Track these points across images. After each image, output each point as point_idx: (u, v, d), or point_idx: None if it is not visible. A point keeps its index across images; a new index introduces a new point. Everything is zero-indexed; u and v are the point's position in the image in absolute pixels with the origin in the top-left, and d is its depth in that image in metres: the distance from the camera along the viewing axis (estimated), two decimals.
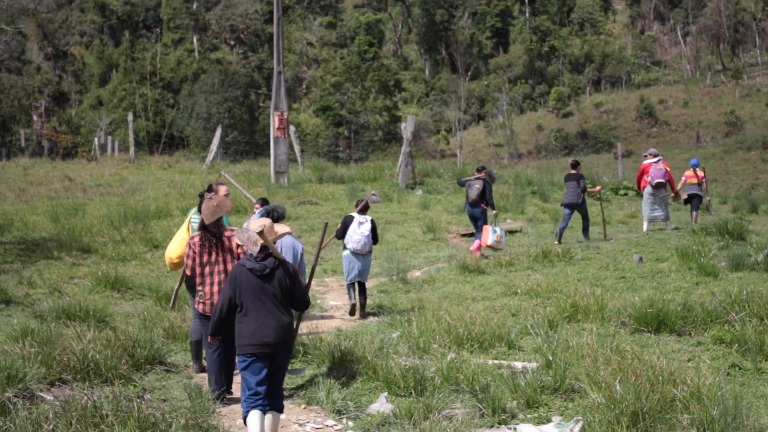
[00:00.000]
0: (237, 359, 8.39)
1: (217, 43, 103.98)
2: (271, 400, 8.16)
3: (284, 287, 8.26)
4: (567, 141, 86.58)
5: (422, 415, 8.38)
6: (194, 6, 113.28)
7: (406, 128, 32.28)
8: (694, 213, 23.38)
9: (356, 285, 14.85)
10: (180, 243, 10.89)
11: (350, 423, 8.73)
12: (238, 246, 9.70)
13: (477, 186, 19.89)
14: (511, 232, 24.02)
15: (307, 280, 10.30)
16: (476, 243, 19.93)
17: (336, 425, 8.75)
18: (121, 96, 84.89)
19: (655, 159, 22.85)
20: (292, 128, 36.00)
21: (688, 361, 10.01)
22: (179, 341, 11.78)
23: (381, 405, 8.93)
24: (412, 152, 33.26)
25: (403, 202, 28.11)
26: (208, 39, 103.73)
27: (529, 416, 8.56)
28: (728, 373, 9.52)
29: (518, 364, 9.93)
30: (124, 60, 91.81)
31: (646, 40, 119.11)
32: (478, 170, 20.74)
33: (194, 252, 9.71)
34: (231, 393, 9.77)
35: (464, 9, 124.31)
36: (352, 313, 14.67)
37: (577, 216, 21.72)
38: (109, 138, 56.21)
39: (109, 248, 18.71)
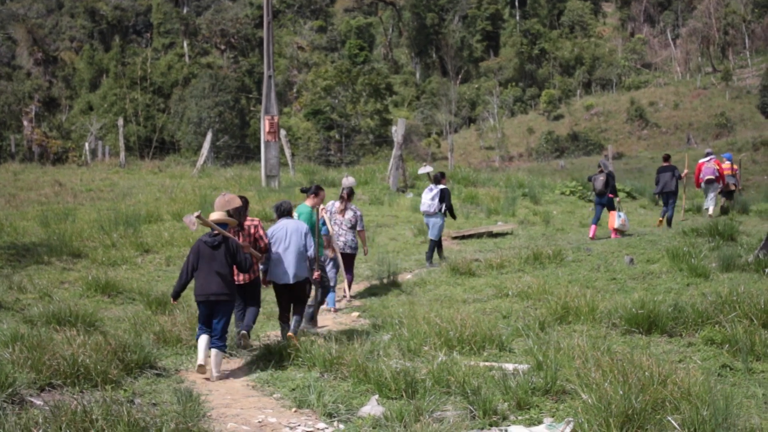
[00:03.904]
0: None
1: (208, 48, 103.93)
2: (215, 340, 10.85)
3: (228, 255, 11.03)
4: (558, 143, 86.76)
5: (413, 418, 8.36)
6: (184, 11, 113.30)
7: (397, 131, 32.31)
8: (726, 199, 26.88)
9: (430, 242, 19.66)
10: None
11: (341, 426, 8.70)
12: (252, 227, 12.21)
13: (601, 178, 22.36)
14: (502, 234, 24.04)
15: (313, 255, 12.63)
16: (611, 226, 22.42)
17: (327, 428, 8.71)
18: (111, 101, 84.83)
19: (707, 158, 25.86)
20: (282, 132, 35.97)
21: (679, 361, 10.01)
22: (170, 345, 11.75)
23: (372, 408, 8.91)
24: (403, 155, 33.28)
25: (394, 205, 28.11)
26: (199, 43, 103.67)
27: (520, 418, 8.54)
28: (719, 374, 9.52)
29: (509, 366, 9.92)
30: (115, 65, 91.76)
31: (636, 42, 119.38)
32: (600, 166, 23.07)
33: None
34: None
35: (455, 12, 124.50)
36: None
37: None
38: (100, 143, 56.19)
39: (99, 253, 18.65)
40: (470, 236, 23.81)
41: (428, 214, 19.40)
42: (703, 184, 25.69)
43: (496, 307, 13.74)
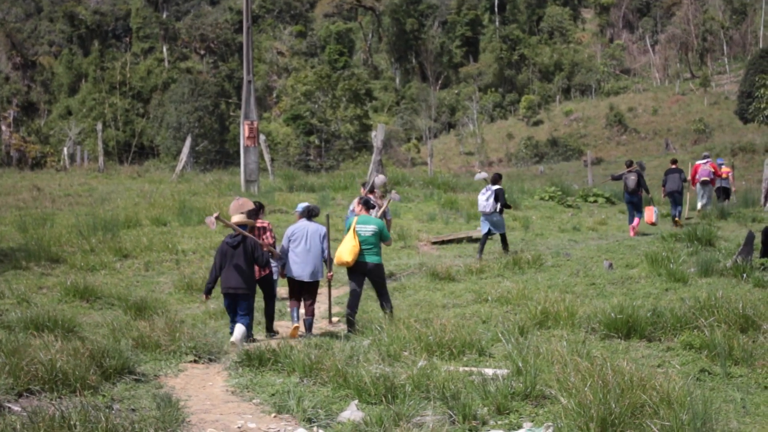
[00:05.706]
0: None
1: (187, 53, 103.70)
2: (239, 317, 12.71)
3: (247, 253, 12.66)
4: (537, 149, 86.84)
5: (393, 423, 8.34)
6: (164, 15, 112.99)
7: (377, 137, 32.31)
8: (726, 202, 29.03)
9: (496, 236, 21.19)
10: (351, 248, 13.62)
11: (321, 431, 8.69)
12: (262, 230, 13.75)
13: (633, 178, 23.62)
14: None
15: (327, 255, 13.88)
16: (636, 221, 23.51)
17: None
18: (90, 105, 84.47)
19: (704, 161, 27.93)
20: (262, 137, 35.94)
21: (658, 366, 10.04)
22: (149, 351, 11.69)
23: (352, 413, 8.89)
24: (383, 161, 33.28)
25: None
26: (178, 48, 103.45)
27: (499, 422, 8.55)
28: (698, 378, 9.55)
29: (489, 371, 9.92)
30: (94, 69, 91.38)
31: (615, 48, 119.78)
32: (628, 165, 24.52)
33: None
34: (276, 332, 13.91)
35: (434, 18, 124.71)
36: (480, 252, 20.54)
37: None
38: (79, 148, 55.97)
39: (78, 258, 18.58)
40: (450, 241, 23.81)
41: (486, 214, 20.56)
42: (698, 185, 27.53)
43: (476, 312, 13.76)
